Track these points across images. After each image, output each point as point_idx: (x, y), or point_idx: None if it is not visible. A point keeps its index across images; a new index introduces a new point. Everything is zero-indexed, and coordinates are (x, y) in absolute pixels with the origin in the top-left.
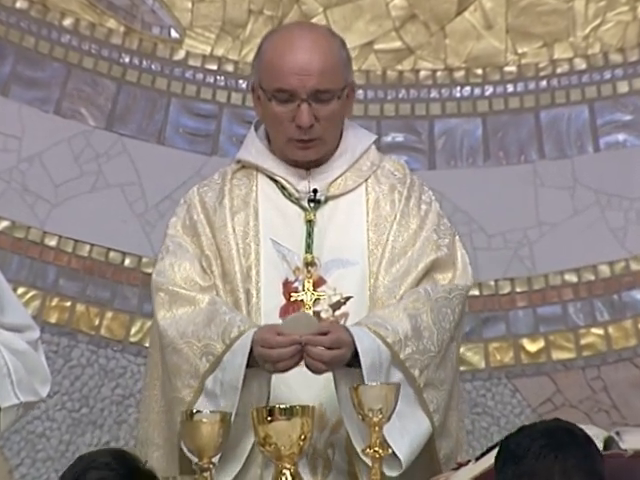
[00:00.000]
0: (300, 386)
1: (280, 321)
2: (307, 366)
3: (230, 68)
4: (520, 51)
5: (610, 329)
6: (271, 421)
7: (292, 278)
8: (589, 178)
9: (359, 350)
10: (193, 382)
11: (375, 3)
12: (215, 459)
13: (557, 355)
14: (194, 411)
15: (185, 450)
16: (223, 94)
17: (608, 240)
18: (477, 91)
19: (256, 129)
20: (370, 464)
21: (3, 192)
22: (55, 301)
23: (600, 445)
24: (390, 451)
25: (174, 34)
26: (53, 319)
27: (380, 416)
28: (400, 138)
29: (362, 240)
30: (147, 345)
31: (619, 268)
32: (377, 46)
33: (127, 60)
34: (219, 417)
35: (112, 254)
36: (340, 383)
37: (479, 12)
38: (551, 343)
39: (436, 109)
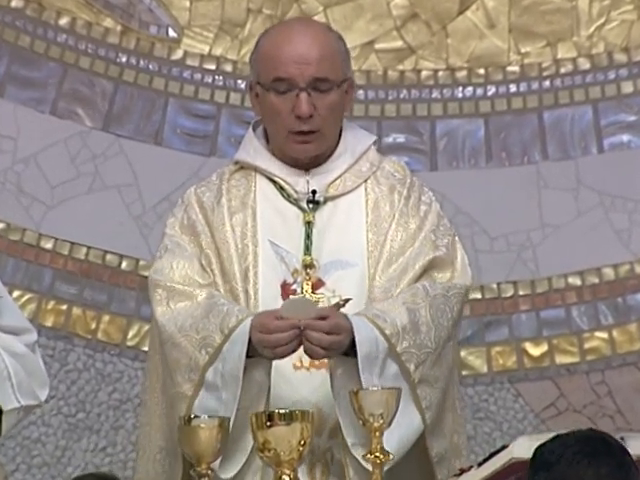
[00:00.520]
0: (301, 383)
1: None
2: (305, 351)
3: (229, 68)
4: (523, 51)
5: (614, 333)
6: (270, 426)
7: (290, 280)
8: (593, 179)
9: (356, 339)
10: (193, 376)
11: (376, 2)
12: (216, 464)
13: (561, 359)
14: (192, 416)
15: None
16: (221, 94)
17: (612, 242)
18: (479, 91)
19: (254, 130)
20: (359, 458)
21: None
22: (51, 304)
23: None
24: (391, 457)
25: (172, 33)
26: (49, 323)
27: (381, 421)
28: (401, 139)
29: (361, 241)
30: (145, 349)
31: (623, 271)
32: (378, 46)
33: (124, 60)
34: (217, 422)
35: (109, 257)
36: (335, 371)
37: (481, 11)
38: (554, 347)
39: (438, 109)
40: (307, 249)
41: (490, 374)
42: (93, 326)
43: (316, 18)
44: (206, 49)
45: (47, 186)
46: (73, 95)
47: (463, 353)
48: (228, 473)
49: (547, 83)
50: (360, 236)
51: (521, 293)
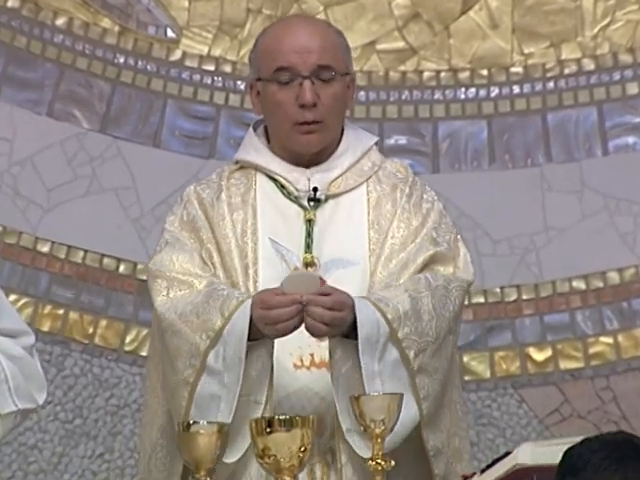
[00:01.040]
0: (305, 376)
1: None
2: (307, 328)
3: (228, 69)
4: (527, 51)
5: (619, 338)
6: (270, 432)
7: None
8: (597, 182)
9: (357, 319)
10: (194, 361)
11: (377, 2)
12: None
13: (565, 364)
14: (191, 422)
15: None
16: (221, 96)
17: (617, 246)
18: (482, 92)
19: (255, 130)
20: (353, 445)
21: None
22: (48, 309)
23: None
24: (392, 463)
25: (170, 34)
26: (46, 327)
27: (382, 427)
28: (403, 141)
29: (363, 239)
30: (143, 354)
31: (629, 275)
32: (379, 46)
33: (122, 60)
34: (216, 428)
35: (106, 260)
36: (335, 352)
37: (484, 11)
38: (559, 352)
39: (440, 111)
40: (308, 247)
41: (493, 379)
42: (90, 331)
43: None
44: (205, 50)
45: (43, 189)
46: (70, 96)
47: (466, 358)
48: (231, 458)
49: (551, 84)
50: (362, 234)
51: (525, 297)
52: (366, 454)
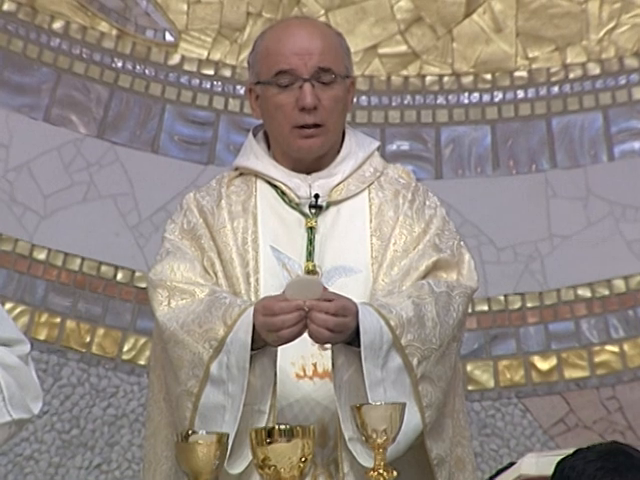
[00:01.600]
0: (308, 386)
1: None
2: (310, 334)
3: (227, 73)
4: (531, 55)
5: (625, 346)
6: (270, 443)
7: None
8: (603, 188)
9: (360, 326)
10: (198, 371)
11: (379, 5)
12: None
13: (570, 374)
14: (189, 432)
15: None
16: (220, 100)
17: (623, 253)
18: (486, 97)
19: (254, 135)
20: (355, 454)
21: None
22: (44, 317)
23: None
24: (395, 473)
25: (169, 37)
26: (42, 336)
27: (384, 437)
28: (405, 146)
29: (365, 247)
30: (141, 363)
31: (635, 282)
32: (381, 50)
33: (120, 65)
34: (215, 439)
35: (104, 268)
36: (338, 359)
37: (488, 15)
38: (563, 361)
39: (443, 116)
40: (309, 255)
41: (497, 389)
42: (87, 339)
43: None
44: (204, 54)
45: (40, 195)
46: (67, 101)
47: (469, 367)
48: (237, 468)
49: (556, 89)
50: (364, 242)
51: (529, 305)
52: (368, 463)
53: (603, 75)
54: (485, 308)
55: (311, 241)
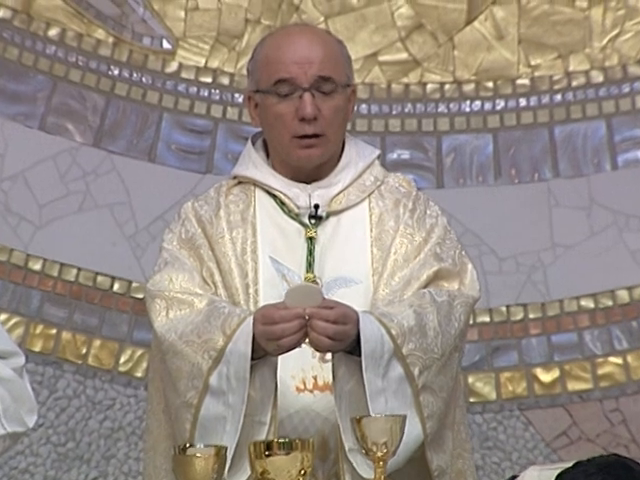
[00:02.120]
0: (309, 398)
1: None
2: (311, 342)
3: (225, 81)
4: (533, 63)
5: (629, 358)
6: (269, 456)
7: None
8: (606, 198)
9: (361, 335)
10: (197, 382)
11: (380, 12)
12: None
13: (573, 386)
14: (187, 445)
15: None
16: (218, 109)
17: (627, 263)
18: (488, 105)
19: (253, 144)
20: (355, 465)
21: None
22: (39, 328)
23: None
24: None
25: (166, 45)
26: (37, 347)
27: (385, 450)
28: (406, 155)
29: (366, 257)
30: (138, 375)
31: (639, 293)
32: (382, 57)
33: (116, 72)
34: (213, 452)
35: (100, 278)
36: (338, 369)
37: (490, 22)
38: (566, 373)
39: (444, 124)
40: (309, 266)
41: (499, 401)
42: (83, 351)
43: None
44: (202, 61)
45: (35, 205)
46: (63, 110)
47: (471, 379)
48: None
49: (558, 97)
50: (364, 252)
51: (531, 316)
52: (368, 474)
53: (606, 83)
54: (487, 319)
55: (311, 252)
